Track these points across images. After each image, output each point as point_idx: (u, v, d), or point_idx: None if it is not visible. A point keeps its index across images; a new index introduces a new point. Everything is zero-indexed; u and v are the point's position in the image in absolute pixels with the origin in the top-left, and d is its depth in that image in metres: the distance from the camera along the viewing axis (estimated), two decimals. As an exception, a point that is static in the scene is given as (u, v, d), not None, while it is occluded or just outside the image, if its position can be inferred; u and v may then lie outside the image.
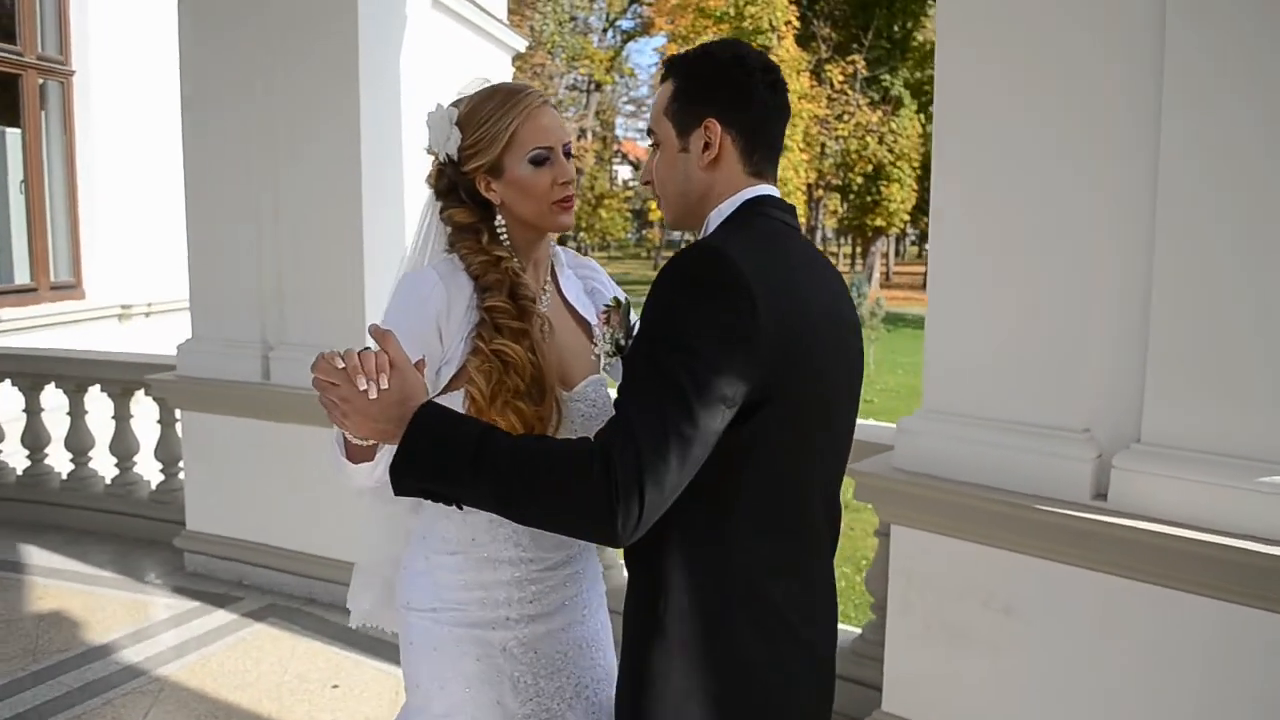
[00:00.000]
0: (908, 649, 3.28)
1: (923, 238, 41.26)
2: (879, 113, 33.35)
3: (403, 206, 4.94)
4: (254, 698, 3.98)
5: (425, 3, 8.46)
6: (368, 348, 1.57)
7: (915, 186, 33.98)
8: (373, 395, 1.53)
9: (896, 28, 35.12)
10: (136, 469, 6.06)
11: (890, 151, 33.34)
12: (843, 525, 1.83)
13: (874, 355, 18.54)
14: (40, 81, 9.00)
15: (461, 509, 1.58)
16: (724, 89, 1.70)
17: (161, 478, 5.91)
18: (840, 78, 33.08)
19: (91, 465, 6.12)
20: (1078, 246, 2.89)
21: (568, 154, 1.99)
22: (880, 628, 3.56)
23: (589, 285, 2.21)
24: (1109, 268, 2.86)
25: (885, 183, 33.61)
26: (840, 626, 2.17)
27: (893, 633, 3.31)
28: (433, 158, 2.03)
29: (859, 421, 1.90)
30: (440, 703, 1.97)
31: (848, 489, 2.48)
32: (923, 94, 34.46)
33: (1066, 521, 2.86)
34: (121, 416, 5.97)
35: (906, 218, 35.22)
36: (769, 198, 1.71)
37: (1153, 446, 2.78)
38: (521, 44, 11.91)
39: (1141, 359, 2.80)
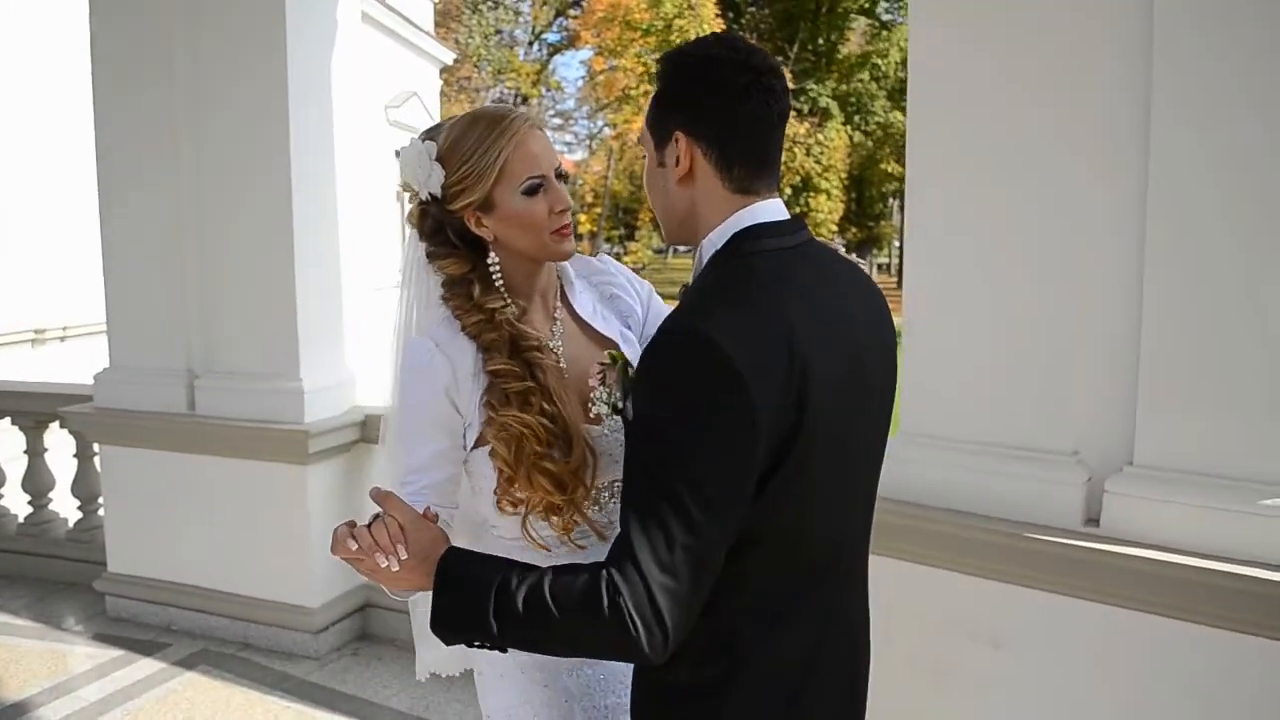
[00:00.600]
0: (889, 686, 3.08)
1: (849, 248, 41.70)
2: (806, 124, 33.60)
3: (336, 223, 4.73)
4: (185, 756, 3.72)
5: (355, 16, 8.25)
6: (377, 515, 1.55)
7: (843, 197, 34.30)
8: (395, 569, 1.52)
9: (821, 40, 35.53)
10: (52, 506, 5.77)
11: (818, 163, 33.59)
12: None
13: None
14: (-58, 96, 8.60)
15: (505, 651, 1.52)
16: (691, 97, 1.51)
17: (79, 515, 5.63)
18: (767, 90, 33.22)
19: (3, 503, 5.83)
20: (1066, 255, 2.76)
21: (559, 176, 1.83)
22: (856, 661, 3.40)
23: (606, 292, 2.06)
24: (1098, 277, 2.73)
25: (813, 194, 33.81)
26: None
27: (872, 669, 3.14)
28: (409, 195, 1.88)
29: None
30: None
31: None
32: (849, 105, 34.86)
33: (1057, 549, 2.73)
34: (35, 451, 5.70)
35: (835, 228, 35.51)
36: (762, 226, 1.51)
37: (1146, 469, 2.66)
38: (449, 57, 11.76)
39: (1133, 375, 2.67)
